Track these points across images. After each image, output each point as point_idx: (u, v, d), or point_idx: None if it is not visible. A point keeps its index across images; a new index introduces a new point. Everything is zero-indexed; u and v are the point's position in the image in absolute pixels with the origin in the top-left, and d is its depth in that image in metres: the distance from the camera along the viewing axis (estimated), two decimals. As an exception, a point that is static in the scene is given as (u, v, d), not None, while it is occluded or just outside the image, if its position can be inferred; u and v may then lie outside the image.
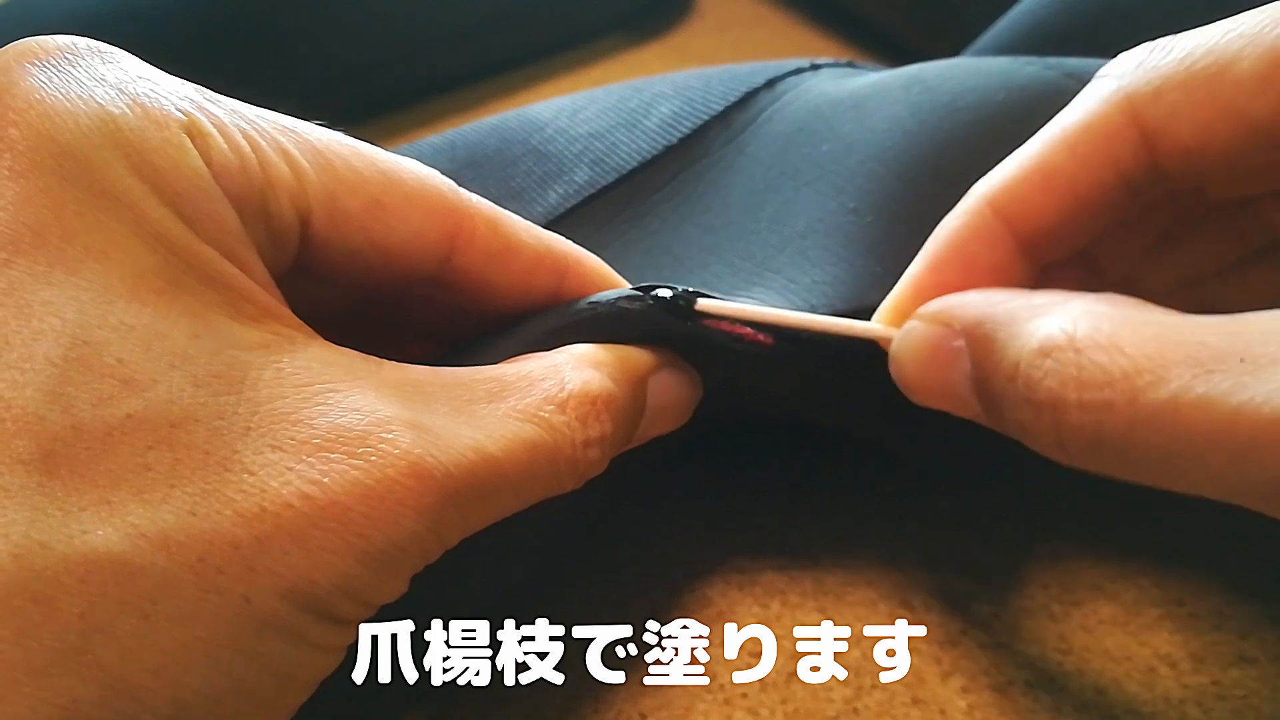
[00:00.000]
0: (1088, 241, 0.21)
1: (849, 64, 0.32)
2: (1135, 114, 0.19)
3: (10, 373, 0.14)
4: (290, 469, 0.15)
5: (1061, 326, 0.17)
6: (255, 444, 0.15)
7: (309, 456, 0.15)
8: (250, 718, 0.15)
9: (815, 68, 0.31)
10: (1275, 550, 0.26)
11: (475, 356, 0.21)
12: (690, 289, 0.21)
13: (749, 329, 0.21)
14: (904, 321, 0.21)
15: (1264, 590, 0.25)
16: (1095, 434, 0.16)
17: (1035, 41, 0.32)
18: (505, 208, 0.27)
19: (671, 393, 0.22)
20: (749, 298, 0.24)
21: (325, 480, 0.15)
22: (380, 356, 0.18)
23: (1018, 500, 0.27)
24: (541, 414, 0.18)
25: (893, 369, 0.21)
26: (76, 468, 0.14)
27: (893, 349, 0.21)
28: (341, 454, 0.16)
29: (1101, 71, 0.20)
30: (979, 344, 0.18)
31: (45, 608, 0.13)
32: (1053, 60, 0.27)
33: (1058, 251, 0.21)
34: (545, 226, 0.27)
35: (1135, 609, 0.25)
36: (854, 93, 0.28)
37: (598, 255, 0.23)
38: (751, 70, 0.30)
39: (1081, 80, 0.21)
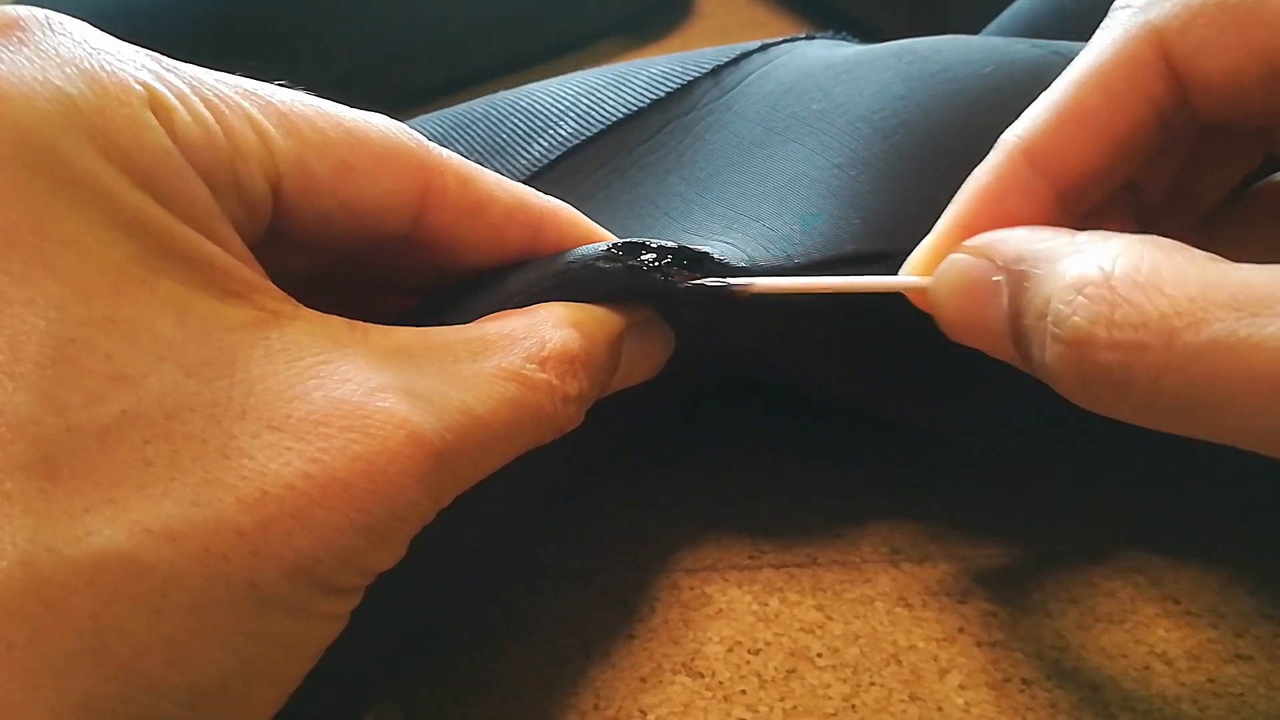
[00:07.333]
0: (1123, 179, 0.21)
1: (843, 35, 0.32)
2: (1163, 46, 0.19)
3: (0, 378, 0.14)
4: (290, 449, 0.15)
5: (1098, 263, 0.17)
6: (252, 426, 0.15)
7: (308, 433, 0.15)
8: (262, 691, 0.16)
9: (810, 38, 0.31)
10: (1272, 548, 0.26)
11: (452, 312, 0.21)
12: (677, 248, 0.21)
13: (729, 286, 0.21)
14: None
15: (1260, 588, 0.25)
16: (1124, 376, 0.16)
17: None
18: (489, 162, 0.26)
19: (643, 348, 0.22)
20: (725, 241, 0.24)
21: (325, 457, 0.15)
22: (357, 314, 0.18)
23: (1015, 498, 0.27)
24: (524, 372, 0.18)
25: (932, 306, 0.20)
26: (76, 469, 0.14)
27: (932, 283, 0.20)
28: (340, 428, 0.16)
29: (1120, 3, 0.20)
30: (1016, 280, 0.18)
31: (57, 612, 0.13)
32: (1041, 41, 0.27)
33: (1096, 194, 0.21)
34: (529, 178, 0.27)
35: (1131, 606, 0.25)
36: (846, 58, 0.28)
37: (581, 206, 0.23)
38: (746, 43, 0.30)
39: (1069, 58, 0.21)
